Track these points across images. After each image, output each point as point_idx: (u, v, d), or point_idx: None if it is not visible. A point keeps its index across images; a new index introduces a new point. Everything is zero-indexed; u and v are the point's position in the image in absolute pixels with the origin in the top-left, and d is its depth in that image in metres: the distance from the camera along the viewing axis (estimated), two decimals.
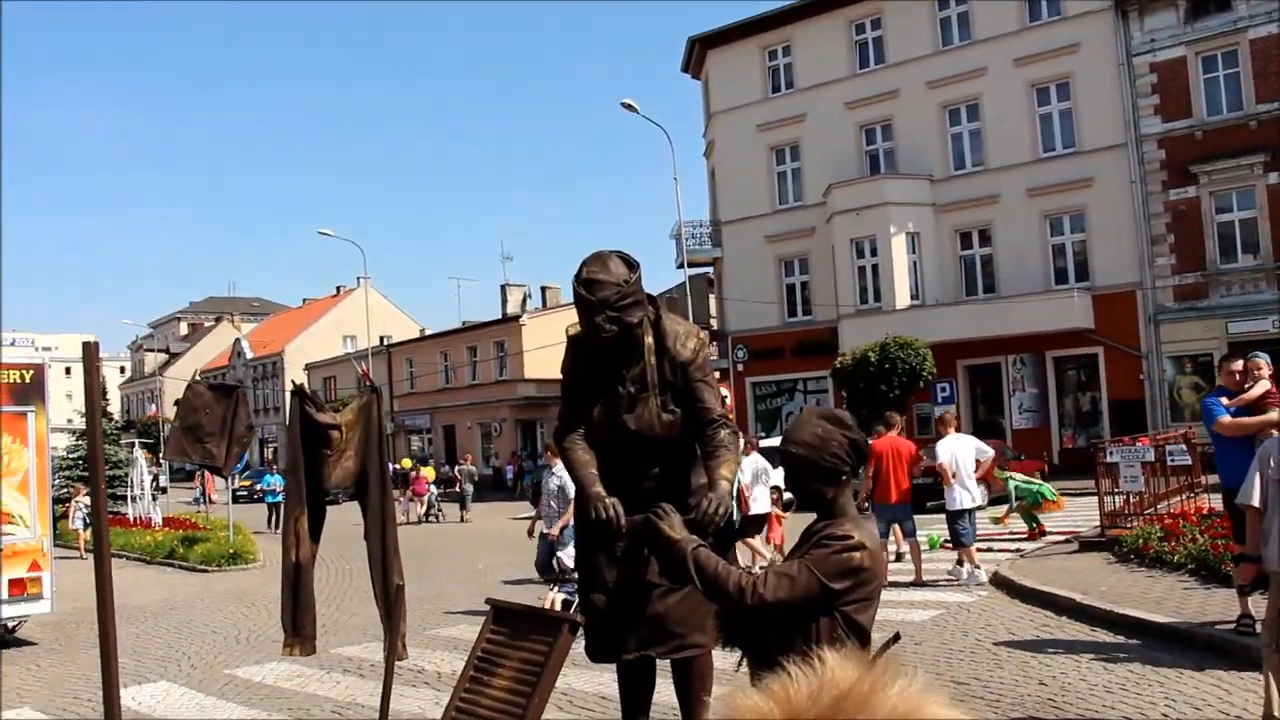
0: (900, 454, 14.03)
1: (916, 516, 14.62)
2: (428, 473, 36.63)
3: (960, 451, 13.83)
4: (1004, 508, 18.71)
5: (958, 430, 14.72)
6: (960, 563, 13.81)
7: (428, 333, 69.14)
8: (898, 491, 13.95)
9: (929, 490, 25.64)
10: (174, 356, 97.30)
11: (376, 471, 5.56)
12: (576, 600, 10.18)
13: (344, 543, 20.50)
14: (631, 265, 4.51)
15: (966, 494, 13.62)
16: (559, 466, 12.30)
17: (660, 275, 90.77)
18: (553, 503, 13.13)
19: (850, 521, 3.44)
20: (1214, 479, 14.64)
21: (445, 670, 10.10)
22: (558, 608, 10.98)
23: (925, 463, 15.95)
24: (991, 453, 14.93)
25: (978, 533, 14.34)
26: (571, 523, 12.41)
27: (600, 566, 4.62)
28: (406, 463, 40.78)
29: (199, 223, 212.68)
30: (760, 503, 14.69)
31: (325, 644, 11.57)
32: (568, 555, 11.97)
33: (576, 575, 10.39)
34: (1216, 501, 14.80)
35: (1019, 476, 19.01)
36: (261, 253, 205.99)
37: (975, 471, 13.91)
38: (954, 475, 13.59)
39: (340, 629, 13.12)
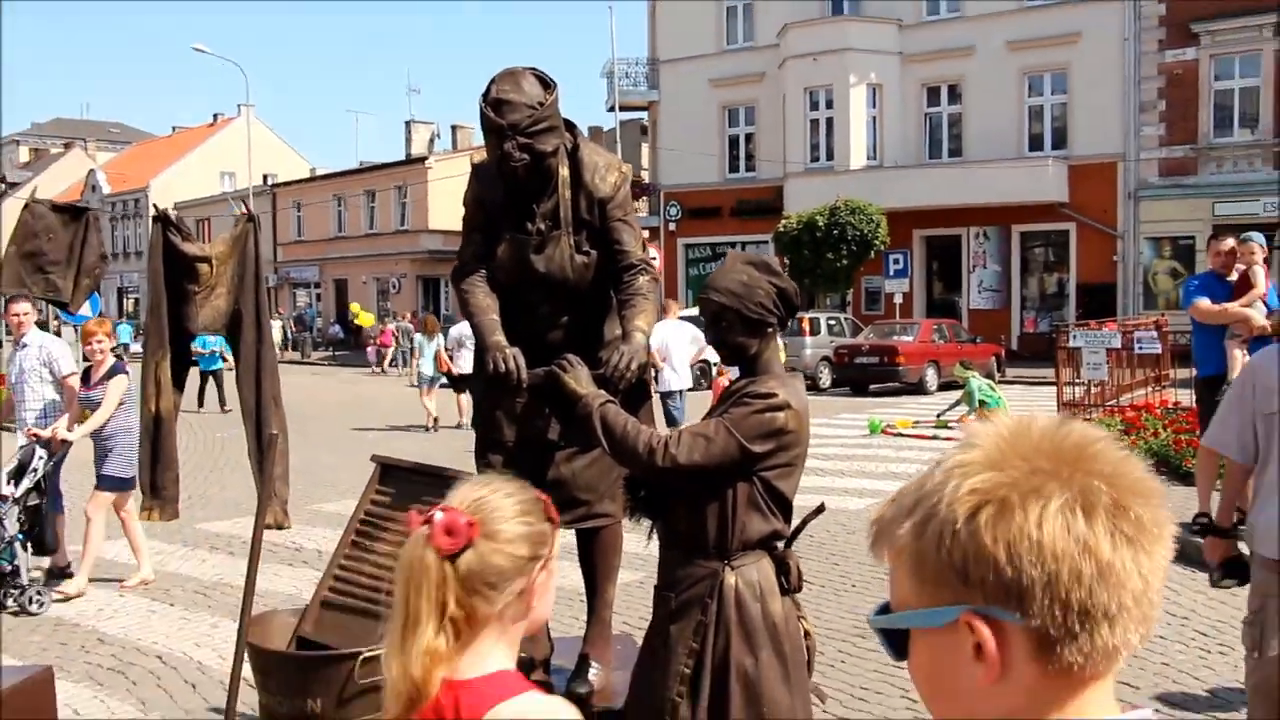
0: None
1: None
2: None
3: (672, 337, 15.39)
4: (959, 410, 18.08)
5: (677, 317, 16.46)
6: None
7: (319, 173, 68.01)
8: None
9: (878, 372, 26.10)
10: (11, 186, 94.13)
11: (251, 311, 5.53)
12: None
13: (215, 420, 22.10)
14: (548, 85, 4.49)
15: (676, 376, 15.40)
16: (32, 335, 9.56)
17: (588, 118, 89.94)
18: (34, 388, 9.54)
19: (775, 379, 3.52)
20: (1184, 374, 15.08)
21: (327, 549, 10.08)
22: None
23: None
24: (704, 344, 16.19)
25: None
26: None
27: (499, 424, 4.69)
28: (358, 309, 48.88)
29: (44, 26, 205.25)
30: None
31: (190, 518, 11.47)
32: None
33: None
34: (1184, 395, 15.29)
35: (983, 380, 18.31)
36: (123, 69, 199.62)
37: (691, 359, 15.88)
38: (664, 360, 15.08)
39: (208, 503, 13.06)
